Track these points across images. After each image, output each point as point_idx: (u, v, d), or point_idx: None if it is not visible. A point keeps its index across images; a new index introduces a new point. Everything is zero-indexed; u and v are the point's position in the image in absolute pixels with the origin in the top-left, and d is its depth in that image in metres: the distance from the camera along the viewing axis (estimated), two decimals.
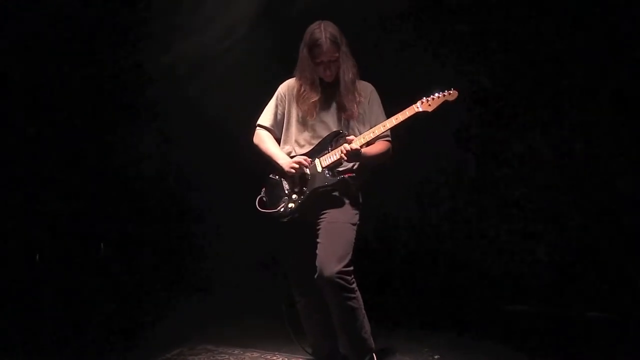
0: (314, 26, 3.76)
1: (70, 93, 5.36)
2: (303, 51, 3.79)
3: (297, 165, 3.76)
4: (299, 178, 3.80)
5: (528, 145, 5.09)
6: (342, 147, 3.70)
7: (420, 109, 3.65)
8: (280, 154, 3.88)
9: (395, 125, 3.67)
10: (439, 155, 5.19)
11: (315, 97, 3.78)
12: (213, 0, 5.04)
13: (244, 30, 4.90)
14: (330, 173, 3.77)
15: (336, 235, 3.69)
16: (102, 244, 5.46)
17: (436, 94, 3.67)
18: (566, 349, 4.28)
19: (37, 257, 5.32)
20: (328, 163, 3.77)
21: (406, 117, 3.66)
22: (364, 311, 3.70)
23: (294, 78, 3.90)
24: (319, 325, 3.90)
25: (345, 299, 3.60)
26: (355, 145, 3.66)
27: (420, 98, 3.67)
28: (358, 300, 3.67)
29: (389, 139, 3.84)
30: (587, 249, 4.88)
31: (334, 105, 3.82)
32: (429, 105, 3.65)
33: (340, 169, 3.80)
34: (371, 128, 3.76)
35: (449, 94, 3.68)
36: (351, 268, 3.64)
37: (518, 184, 5.13)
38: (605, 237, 4.81)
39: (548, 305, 4.92)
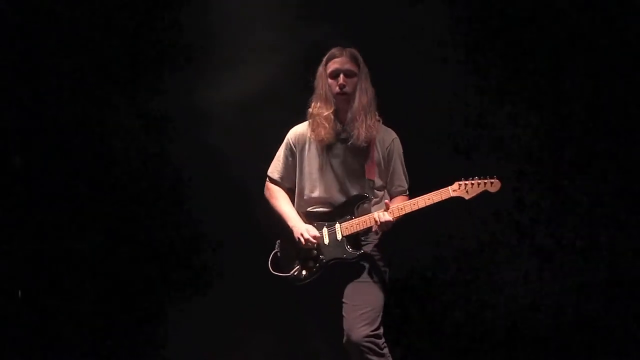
0: (335, 49, 3.64)
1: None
2: (319, 69, 3.66)
3: (303, 242, 3.56)
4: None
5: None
6: (375, 216, 3.50)
7: (455, 195, 3.45)
8: (292, 215, 3.67)
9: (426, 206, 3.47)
10: None
11: (328, 111, 3.55)
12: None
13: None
14: (351, 246, 3.57)
15: (364, 294, 3.55)
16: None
17: (475, 181, 3.46)
18: None
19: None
20: (349, 232, 3.58)
21: (440, 199, 3.47)
22: None
23: (304, 123, 3.71)
24: None
25: None
26: (389, 216, 3.46)
27: (459, 179, 3.46)
28: None
29: (407, 191, 3.67)
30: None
31: (345, 149, 3.58)
32: (467, 192, 3.46)
33: (363, 240, 3.61)
34: (389, 186, 3.62)
35: (491, 183, 3.46)
36: (381, 331, 3.52)
37: None
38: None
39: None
